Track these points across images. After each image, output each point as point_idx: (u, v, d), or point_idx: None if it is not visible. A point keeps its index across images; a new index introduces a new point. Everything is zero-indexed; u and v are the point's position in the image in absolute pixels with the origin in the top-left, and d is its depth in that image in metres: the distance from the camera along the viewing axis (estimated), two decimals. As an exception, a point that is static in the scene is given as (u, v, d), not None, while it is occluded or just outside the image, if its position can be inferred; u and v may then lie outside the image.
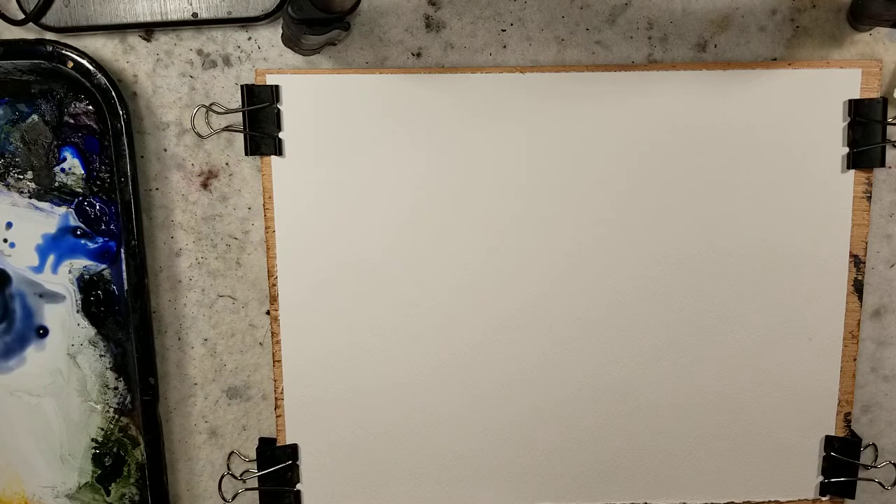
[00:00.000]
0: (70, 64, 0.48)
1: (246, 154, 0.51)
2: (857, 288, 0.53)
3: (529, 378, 0.54)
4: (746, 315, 0.53)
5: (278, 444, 0.54)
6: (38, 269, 0.53)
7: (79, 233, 0.52)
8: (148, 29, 0.50)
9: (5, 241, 0.52)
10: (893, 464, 0.56)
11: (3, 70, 0.50)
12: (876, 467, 0.56)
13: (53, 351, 0.53)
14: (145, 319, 0.51)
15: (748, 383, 0.54)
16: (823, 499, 0.56)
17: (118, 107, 0.49)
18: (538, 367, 0.54)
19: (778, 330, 0.53)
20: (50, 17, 0.49)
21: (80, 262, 0.53)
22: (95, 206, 0.52)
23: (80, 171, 0.52)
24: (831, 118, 0.51)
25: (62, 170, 0.52)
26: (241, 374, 0.54)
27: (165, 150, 0.52)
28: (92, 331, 0.53)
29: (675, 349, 0.53)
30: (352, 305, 0.53)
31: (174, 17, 0.49)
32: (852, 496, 0.55)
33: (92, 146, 0.51)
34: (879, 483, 0.56)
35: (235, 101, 0.51)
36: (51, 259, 0.53)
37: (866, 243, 0.52)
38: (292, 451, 0.54)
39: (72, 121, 0.51)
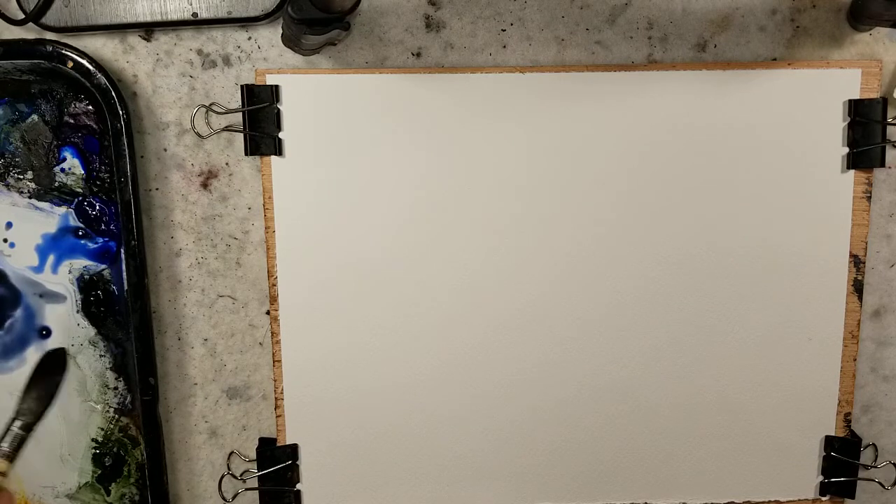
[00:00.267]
0: (70, 64, 0.48)
1: (246, 154, 0.51)
2: (857, 288, 0.53)
3: (529, 378, 0.54)
4: (746, 315, 0.53)
5: (278, 444, 0.54)
6: (38, 269, 0.53)
7: (79, 233, 0.52)
8: (148, 29, 0.50)
9: (5, 241, 0.52)
10: (893, 464, 0.56)
11: (3, 70, 0.50)
12: (876, 467, 0.56)
13: (53, 351, 0.53)
14: (145, 319, 0.51)
15: (748, 383, 0.54)
16: (823, 499, 0.56)
17: (118, 107, 0.49)
18: (538, 367, 0.54)
19: (778, 330, 0.53)
20: (50, 17, 0.49)
21: (80, 262, 0.53)
22: (95, 206, 0.52)
23: (80, 171, 0.52)
24: (831, 118, 0.51)
25: (62, 170, 0.52)
26: (241, 374, 0.54)
27: (165, 150, 0.52)
28: (92, 331, 0.53)
29: (675, 349, 0.53)
30: (352, 305, 0.53)
31: (174, 16, 0.49)
32: (852, 496, 0.55)
33: (92, 146, 0.51)
34: (879, 483, 0.56)
35: (235, 101, 0.51)
36: (51, 259, 0.53)
37: (866, 243, 0.52)
38: (292, 451, 0.54)
39: (72, 121, 0.51)
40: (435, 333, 0.53)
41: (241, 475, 0.55)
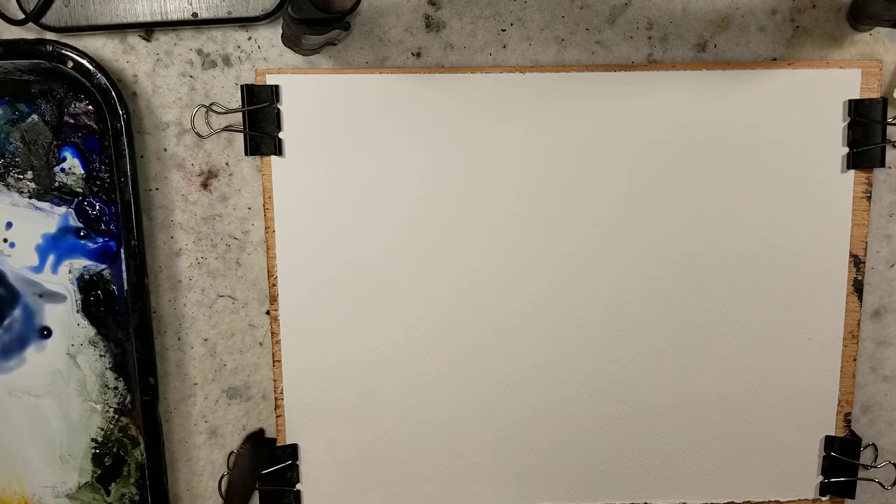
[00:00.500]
0: (70, 64, 0.48)
1: (246, 154, 0.51)
2: (857, 288, 0.53)
3: (529, 378, 0.54)
4: (746, 315, 0.53)
5: (278, 444, 0.54)
6: (38, 269, 0.53)
7: (79, 233, 0.52)
8: (148, 29, 0.50)
9: (5, 241, 0.52)
10: (893, 464, 0.56)
11: (3, 70, 0.50)
12: (876, 467, 0.55)
13: (53, 351, 0.53)
14: (145, 319, 0.51)
15: (748, 383, 0.54)
16: (823, 499, 0.56)
17: (118, 107, 0.49)
18: (538, 367, 0.54)
19: (778, 330, 0.53)
20: (50, 17, 0.49)
21: (80, 262, 0.53)
22: (95, 206, 0.52)
23: (80, 171, 0.52)
24: (831, 118, 0.51)
25: (62, 170, 0.52)
26: (241, 374, 0.54)
27: (165, 150, 0.52)
28: (92, 331, 0.53)
29: (675, 349, 0.53)
30: (352, 305, 0.53)
31: (174, 16, 0.49)
32: (852, 496, 0.55)
33: (92, 146, 0.51)
34: (879, 483, 0.56)
35: (235, 101, 0.51)
36: (51, 259, 0.53)
37: (866, 243, 0.52)
38: (292, 451, 0.54)
39: (72, 121, 0.51)
40: (435, 333, 0.53)
41: (241, 475, 0.55)
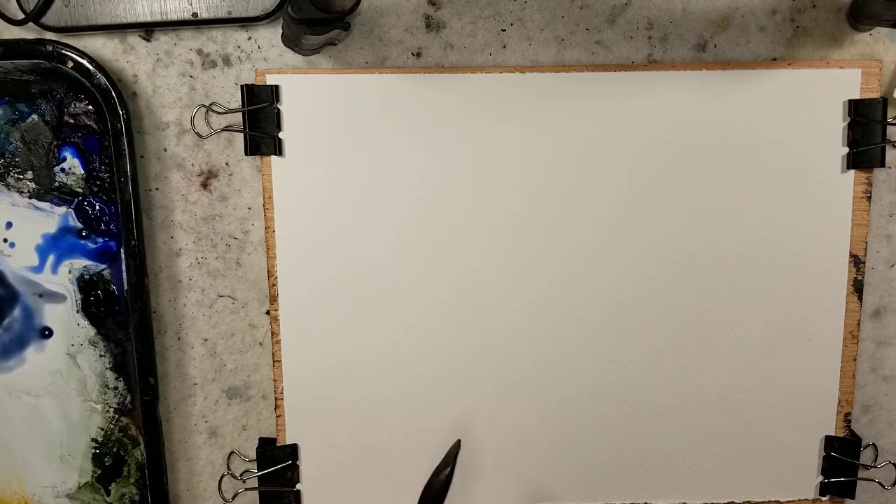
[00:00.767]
0: (70, 64, 0.48)
1: (246, 154, 0.51)
2: (857, 288, 0.53)
3: (529, 378, 0.54)
4: (746, 315, 0.53)
5: (278, 444, 0.54)
6: (38, 269, 0.53)
7: (79, 233, 0.52)
8: (148, 29, 0.50)
9: (5, 241, 0.52)
10: (893, 464, 0.56)
11: (3, 70, 0.50)
12: (876, 467, 0.56)
13: (53, 351, 0.53)
14: (145, 319, 0.51)
15: (748, 383, 0.54)
16: (823, 499, 0.56)
17: (118, 107, 0.49)
18: (538, 367, 0.54)
19: (778, 330, 0.53)
20: (50, 17, 0.49)
21: (80, 262, 0.53)
22: (95, 206, 0.52)
23: (80, 171, 0.52)
24: (831, 118, 0.51)
25: (62, 170, 0.52)
26: (241, 374, 0.54)
27: (165, 150, 0.52)
28: (92, 331, 0.53)
29: (675, 349, 0.53)
30: (352, 305, 0.53)
31: (174, 16, 0.49)
32: (852, 496, 0.55)
33: (92, 146, 0.51)
34: (879, 483, 0.56)
35: (235, 101, 0.51)
36: (51, 259, 0.53)
37: (866, 243, 0.52)
38: (292, 451, 0.54)
39: (72, 121, 0.51)
40: (435, 333, 0.53)
41: (240, 475, 0.55)
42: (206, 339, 0.54)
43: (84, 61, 0.48)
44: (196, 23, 0.49)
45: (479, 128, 0.51)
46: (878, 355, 0.55)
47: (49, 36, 0.49)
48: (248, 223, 0.53)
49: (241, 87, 0.50)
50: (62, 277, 0.53)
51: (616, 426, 0.54)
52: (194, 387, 0.55)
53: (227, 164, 0.52)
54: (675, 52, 0.51)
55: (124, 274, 0.51)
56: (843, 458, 0.54)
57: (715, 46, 0.51)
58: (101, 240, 0.52)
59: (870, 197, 0.52)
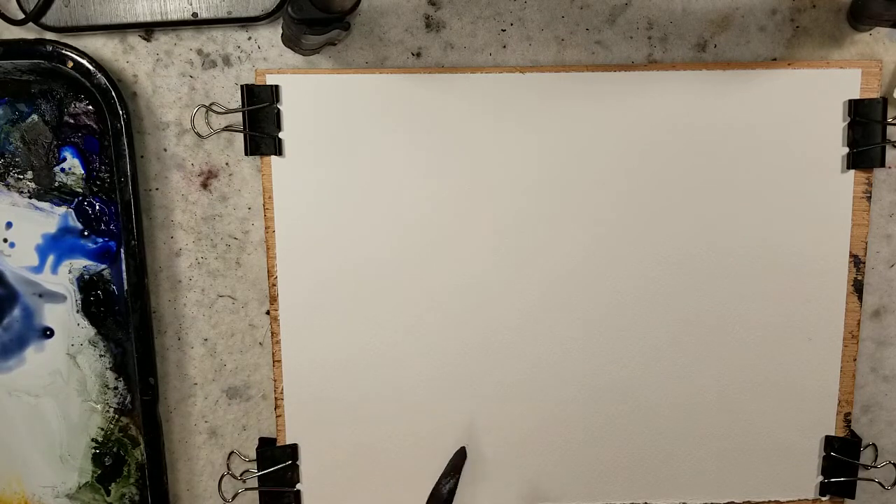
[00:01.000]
0: (70, 64, 0.48)
1: (246, 154, 0.51)
2: (857, 288, 0.53)
3: (529, 378, 0.54)
4: (746, 315, 0.53)
5: (278, 444, 0.54)
6: (38, 269, 0.53)
7: (79, 233, 0.52)
8: (148, 29, 0.50)
9: (5, 241, 0.52)
10: (893, 464, 0.56)
11: (3, 70, 0.50)
12: (876, 467, 0.55)
13: (53, 351, 0.53)
14: (145, 319, 0.51)
15: (748, 383, 0.54)
16: (823, 499, 0.56)
17: (118, 107, 0.49)
18: (538, 367, 0.54)
19: (778, 330, 0.53)
20: (50, 17, 0.49)
21: (80, 262, 0.53)
22: (95, 206, 0.52)
23: (80, 171, 0.52)
24: (831, 118, 0.51)
25: (62, 170, 0.52)
26: (241, 374, 0.54)
27: (165, 150, 0.52)
28: (92, 331, 0.53)
29: (675, 349, 0.53)
30: (352, 305, 0.53)
31: (174, 16, 0.49)
32: (852, 496, 0.55)
33: (92, 146, 0.51)
34: (879, 483, 0.56)
35: (235, 101, 0.51)
36: (51, 259, 0.53)
37: (866, 243, 0.52)
38: (292, 451, 0.54)
39: (72, 121, 0.51)
40: (434, 333, 0.53)
41: (241, 475, 0.55)
42: (206, 339, 0.54)
43: (84, 61, 0.48)
44: (196, 23, 0.49)
45: (479, 128, 0.51)
46: (878, 355, 0.55)
47: (49, 36, 0.49)
48: (248, 223, 0.53)
49: (241, 87, 0.50)
50: (62, 277, 0.53)
51: (616, 426, 0.54)
52: (194, 387, 0.55)
53: (227, 164, 0.52)
54: (675, 52, 0.51)
55: (124, 274, 0.51)
56: (843, 458, 0.54)
57: (715, 46, 0.51)
58: (101, 240, 0.52)
59: (870, 197, 0.52)
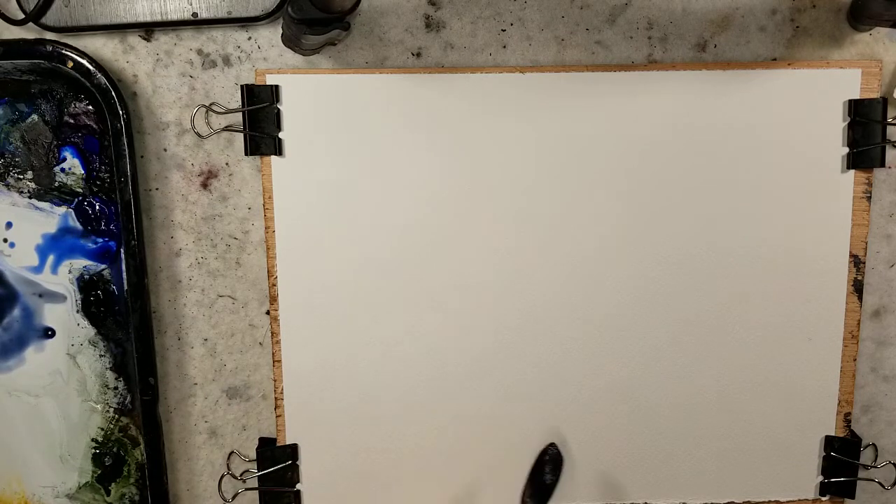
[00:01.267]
0: (70, 64, 0.48)
1: (246, 154, 0.51)
2: (857, 288, 0.53)
3: (530, 378, 0.54)
4: (746, 315, 0.53)
5: (278, 444, 0.54)
6: (38, 269, 0.53)
7: (79, 233, 0.52)
8: (148, 29, 0.50)
9: (5, 241, 0.52)
10: (893, 464, 0.56)
11: (3, 70, 0.50)
12: (876, 467, 0.56)
13: (53, 351, 0.53)
14: (145, 319, 0.51)
15: (748, 383, 0.54)
16: (823, 499, 0.56)
17: (118, 107, 0.49)
18: (538, 367, 0.54)
19: (778, 330, 0.53)
20: (50, 17, 0.49)
21: (80, 262, 0.53)
22: (95, 206, 0.52)
23: (80, 171, 0.52)
24: (831, 118, 0.51)
25: (62, 170, 0.52)
26: (241, 374, 0.54)
27: (165, 150, 0.52)
28: (92, 331, 0.53)
29: (675, 349, 0.53)
30: (352, 305, 0.53)
31: (174, 16, 0.49)
32: (852, 496, 0.55)
33: (92, 146, 0.51)
34: (879, 483, 0.56)
35: (235, 101, 0.51)
36: (50, 259, 0.53)
37: (866, 243, 0.52)
38: (292, 451, 0.54)
39: (72, 121, 0.51)
40: (434, 333, 0.53)
41: (241, 475, 0.55)
42: (206, 339, 0.54)
43: (84, 61, 0.48)
44: (196, 23, 0.49)
45: (479, 128, 0.51)
46: (878, 355, 0.55)
47: (49, 36, 0.49)
48: (248, 223, 0.53)
49: (241, 87, 0.50)
50: (62, 277, 0.53)
51: (616, 426, 0.54)
52: (194, 387, 0.55)
53: (227, 164, 0.52)
54: (675, 52, 0.51)
55: (124, 274, 0.51)
56: (843, 458, 0.54)
57: (715, 46, 0.51)
58: (101, 240, 0.52)
59: (870, 197, 0.52)
